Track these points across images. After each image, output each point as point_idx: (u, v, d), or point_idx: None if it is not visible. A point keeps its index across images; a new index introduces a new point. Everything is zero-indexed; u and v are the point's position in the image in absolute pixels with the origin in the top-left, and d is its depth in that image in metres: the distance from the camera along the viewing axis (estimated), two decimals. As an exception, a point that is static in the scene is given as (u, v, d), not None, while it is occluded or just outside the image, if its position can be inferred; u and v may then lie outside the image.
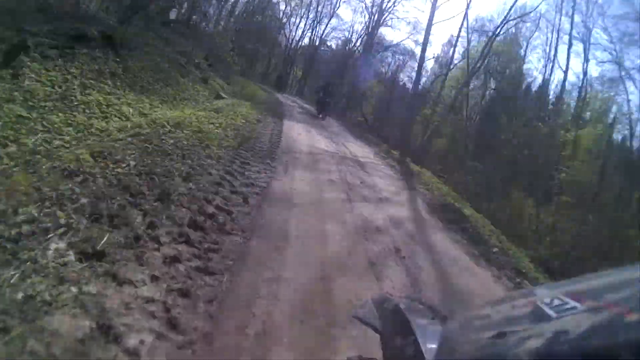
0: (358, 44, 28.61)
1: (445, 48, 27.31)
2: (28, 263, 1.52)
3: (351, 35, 30.69)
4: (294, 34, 35.60)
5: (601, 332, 0.31)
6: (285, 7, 35.21)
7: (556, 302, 0.40)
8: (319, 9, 31.92)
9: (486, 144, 17.57)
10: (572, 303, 0.38)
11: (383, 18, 24.14)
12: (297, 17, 34.84)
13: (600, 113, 18.66)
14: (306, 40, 34.45)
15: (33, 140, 2.81)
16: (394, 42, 25.80)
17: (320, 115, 13.44)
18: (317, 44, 32.97)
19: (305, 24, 34.45)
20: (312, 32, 33.04)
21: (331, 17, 31.76)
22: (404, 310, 0.78)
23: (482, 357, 0.41)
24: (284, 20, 36.09)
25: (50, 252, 1.63)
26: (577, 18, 18.09)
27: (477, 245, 4.44)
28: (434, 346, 0.56)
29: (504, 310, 0.48)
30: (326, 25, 32.47)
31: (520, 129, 16.95)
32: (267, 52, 43.22)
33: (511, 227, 11.18)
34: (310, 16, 33.59)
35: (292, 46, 35.88)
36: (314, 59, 33.46)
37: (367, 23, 25.91)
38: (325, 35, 32.99)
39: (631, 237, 11.33)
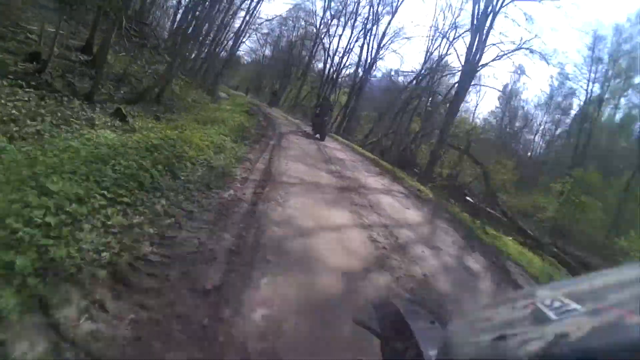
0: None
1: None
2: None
3: (431, 44, 19.86)
4: (335, 46, 25.46)
5: (601, 334, 0.31)
6: (324, 14, 25.28)
7: (556, 303, 0.39)
8: (376, 5, 21.70)
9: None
10: (573, 305, 0.38)
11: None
12: (341, 25, 24.71)
13: None
14: (356, 50, 24.11)
15: None
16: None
17: (318, 136, 11.42)
18: (372, 54, 22.36)
19: (351, 33, 24.17)
20: (364, 38, 22.66)
21: (393, 15, 21.29)
22: (404, 314, 0.76)
23: None
24: (323, 29, 25.98)
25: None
26: None
27: None
28: (434, 350, 0.55)
29: (504, 312, 0.47)
30: (385, 30, 21.99)
31: None
32: (301, 74, 33.49)
33: None
34: (359, 20, 23.27)
35: (333, 63, 25.33)
36: (366, 78, 22.60)
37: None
38: (384, 45, 22.43)
39: None
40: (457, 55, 17.28)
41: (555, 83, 23.34)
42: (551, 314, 0.37)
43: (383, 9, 22.57)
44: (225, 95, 23.96)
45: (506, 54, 17.11)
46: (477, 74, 18.66)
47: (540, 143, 30.50)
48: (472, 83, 17.08)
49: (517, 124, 29.11)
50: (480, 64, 16.25)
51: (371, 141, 20.43)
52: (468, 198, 18.21)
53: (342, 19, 25.67)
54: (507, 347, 0.36)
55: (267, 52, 38.57)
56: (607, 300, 0.35)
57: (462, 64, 16.13)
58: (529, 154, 29.96)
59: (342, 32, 26.11)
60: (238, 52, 35.59)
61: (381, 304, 0.98)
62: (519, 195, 19.42)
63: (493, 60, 17.06)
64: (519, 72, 23.00)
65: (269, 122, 12.14)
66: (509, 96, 29.04)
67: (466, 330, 0.48)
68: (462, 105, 18.97)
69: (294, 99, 30.99)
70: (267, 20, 26.06)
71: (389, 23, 22.86)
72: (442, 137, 15.06)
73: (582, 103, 23.94)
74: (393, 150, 18.70)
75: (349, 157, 8.96)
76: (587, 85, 22.87)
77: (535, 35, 16.81)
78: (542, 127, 29.68)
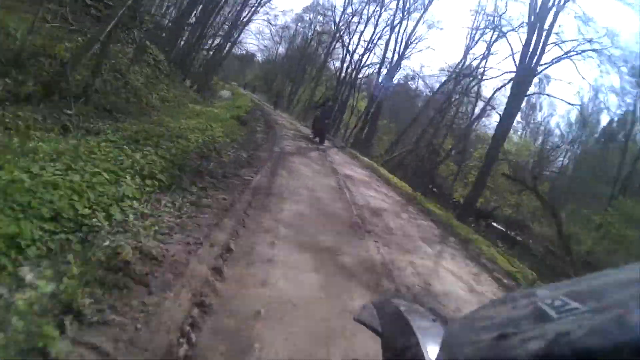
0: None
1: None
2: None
3: (472, 40, 16.81)
4: (355, 42, 22.65)
5: (602, 333, 0.31)
6: (344, 9, 22.55)
7: (557, 302, 0.39)
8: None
9: None
10: (573, 304, 0.38)
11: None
12: (363, 21, 21.93)
13: None
14: (380, 47, 21.24)
15: None
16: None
17: (317, 139, 10.70)
18: (400, 51, 19.31)
19: (374, 30, 21.41)
20: (390, 34, 19.64)
21: (425, 10, 18.34)
22: (405, 313, 0.74)
23: (484, 359, 0.40)
24: (343, 26, 23.27)
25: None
26: None
27: None
28: (435, 348, 0.55)
29: (505, 311, 0.46)
30: (415, 26, 18.99)
31: None
32: (315, 72, 30.99)
33: None
34: (384, 14, 20.44)
35: (353, 60, 22.49)
36: (390, 81, 19.57)
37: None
38: (414, 42, 19.38)
39: None
40: (512, 53, 13.97)
41: (587, 96, 19.48)
42: (552, 313, 0.37)
43: (412, 4, 19.48)
44: (229, 93, 21.21)
45: (568, 55, 13.81)
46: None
47: (568, 164, 26.91)
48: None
49: (548, 143, 25.53)
50: (539, 67, 13.03)
51: (390, 157, 17.41)
52: (494, 224, 15.26)
53: (365, 15, 22.72)
54: (508, 346, 0.35)
55: (282, 49, 36.07)
56: (607, 300, 0.35)
57: (517, 65, 12.93)
58: (551, 173, 26.53)
59: (364, 28, 23.12)
60: (251, 49, 32.83)
61: (382, 303, 0.80)
62: (548, 222, 16.64)
63: (553, 62, 13.81)
64: (544, 81, 19.37)
65: (269, 133, 9.20)
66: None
67: (467, 329, 0.47)
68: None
69: (307, 101, 28.02)
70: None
71: (419, 18, 19.74)
72: (489, 163, 11.87)
73: (615, 119, 20.26)
74: (414, 169, 15.64)
75: (385, 199, 5.86)
76: (635, 101, 19.08)
77: (603, 35, 13.53)
78: (570, 146, 26.07)
